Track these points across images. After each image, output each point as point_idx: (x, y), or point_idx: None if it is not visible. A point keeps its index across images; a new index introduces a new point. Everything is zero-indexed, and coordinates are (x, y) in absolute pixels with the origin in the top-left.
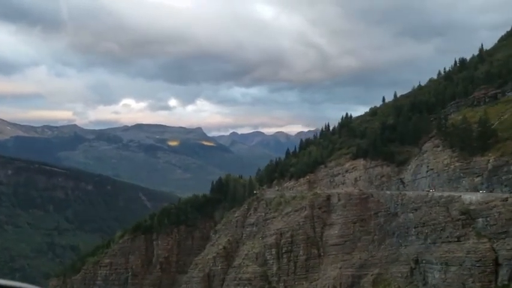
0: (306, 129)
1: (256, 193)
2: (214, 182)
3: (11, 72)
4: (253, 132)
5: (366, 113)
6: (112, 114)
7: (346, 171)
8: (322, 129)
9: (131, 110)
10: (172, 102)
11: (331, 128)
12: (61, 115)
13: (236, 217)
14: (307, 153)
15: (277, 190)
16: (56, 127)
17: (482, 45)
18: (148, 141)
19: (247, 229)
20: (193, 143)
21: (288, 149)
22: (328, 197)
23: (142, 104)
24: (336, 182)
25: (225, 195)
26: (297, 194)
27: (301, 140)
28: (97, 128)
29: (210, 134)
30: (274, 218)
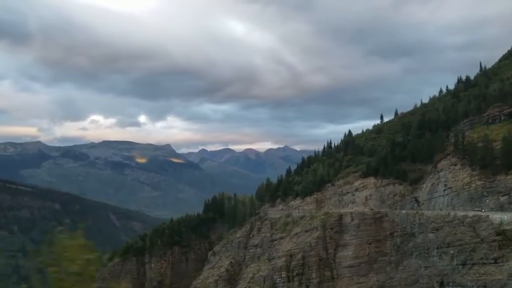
0: (275, 146)
1: (259, 213)
2: (208, 201)
3: None
4: (223, 149)
5: (368, 131)
6: (79, 131)
7: (356, 189)
8: (324, 146)
9: (99, 126)
10: (142, 118)
11: (332, 146)
12: (25, 131)
13: (238, 238)
14: (312, 172)
15: (282, 209)
16: (20, 144)
17: (480, 63)
18: (116, 158)
19: (251, 250)
20: (162, 160)
21: (289, 167)
22: (341, 217)
23: (111, 120)
24: (345, 201)
25: (221, 214)
26: (305, 213)
27: (303, 158)
28: (62, 144)
29: (179, 151)
30: (281, 238)
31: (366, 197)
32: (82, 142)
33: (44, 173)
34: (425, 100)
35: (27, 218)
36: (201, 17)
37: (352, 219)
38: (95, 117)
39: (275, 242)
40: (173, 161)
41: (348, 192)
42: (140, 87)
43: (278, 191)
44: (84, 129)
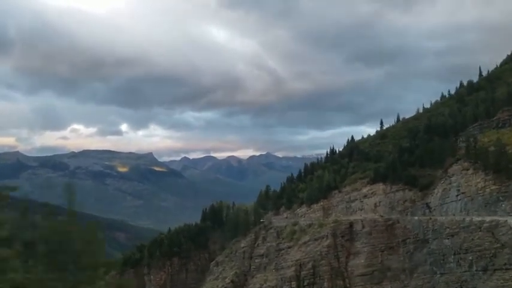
0: (257, 153)
1: (263, 221)
2: (207, 209)
3: None
4: (205, 156)
5: (372, 136)
6: (59, 140)
7: (365, 196)
8: (327, 152)
9: (80, 135)
10: (124, 127)
11: (335, 152)
12: (3, 141)
13: (242, 247)
14: (317, 178)
15: (287, 218)
16: None
17: (480, 68)
18: (97, 167)
19: (256, 260)
20: (143, 169)
21: (291, 174)
22: (351, 224)
23: (91, 129)
24: (354, 208)
25: (219, 223)
26: (312, 221)
27: (306, 165)
28: (42, 154)
29: (161, 159)
30: (289, 248)
31: (375, 204)
32: (62, 152)
33: (22, 183)
34: (427, 105)
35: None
36: (183, 24)
37: (363, 227)
38: (76, 126)
39: (282, 251)
40: (155, 170)
41: (356, 199)
42: (122, 95)
43: (282, 198)
44: (64, 138)
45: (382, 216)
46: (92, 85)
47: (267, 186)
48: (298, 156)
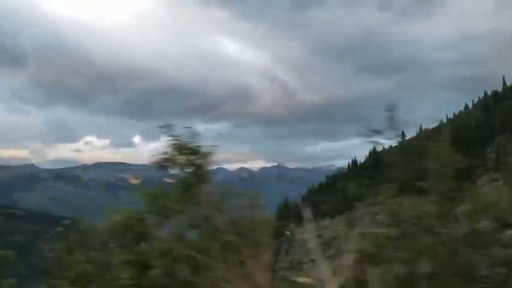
0: (268, 165)
1: (289, 233)
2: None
3: None
4: (216, 168)
5: (394, 147)
6: (72, 153)
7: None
8: (348, 163)
9: (93, 147)
10: (136, 139)
11: (357, 162)
12: (17, 154)
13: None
14: (340, 190)
15: (309, 230)
16: (11, 167)
17: (504, 77)
18: (110, 180)
19: (279, 274)
20: (156, 181)
21: (312, 186)
22: (377, 237)
23: (104, 142)
24: (379, 221)
25: (238, 235)
26: (337, 234)
27: (327, 176)
28: (55, 167)
29: (173, 171)
30: (312, 261)
31: None
32: (75, 164)
33: (36, 196)
34: (450, 115)
35: (22, 242)
36: (194, 36)
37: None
38: (89, 138)
39: (306, 264)
40: (167, 182)
41: (380, 212)
42: (134, 107)
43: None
44: (77, 150)
45: None
46: (105, 98)
47: (287, 198)
48: (309, 167)
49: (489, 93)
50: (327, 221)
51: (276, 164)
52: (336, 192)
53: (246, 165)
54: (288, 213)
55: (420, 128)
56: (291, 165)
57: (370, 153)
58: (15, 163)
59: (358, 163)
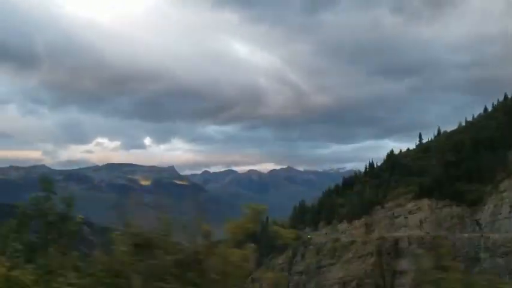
0: (278, 167)
1: (310, 237)
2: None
3: None
4: (226, 170)
5: (412, 150)
6: (83, 154)
7: (409, 212)
8: (366, 166)
9: (104, 149)
10: (147, 140)
11: (374, 165)
12: (29, 155)
13: (280, 264)
14: (358, 193)
15: (326, 234)
16: (23, 168)
17: None
18: (120, 181)
19: (295, 278)
20: (166, 182)
21: (329, 189)
22: (397, 242)
23: (115, 143)
24: (397, 225)
25: (254, 238)
26: (355, 238)
27: (343, 179)
28: (67, 168)
29: (183, 173)
30: (331, 265)
31: (420, 220)
32: (86, 165)
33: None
34: (469, 118)
35: (34, 242)
36: (206, 39)
37: (410, 244)
38: (100, 140)
39: (323, 268)
40: (177, 183)
41: (400, 215)
42: (145, 109)
43: (320, 213)
44: (89, 152)
45: (428, 233)
46: (116, 99)
47: (302, 201)
48: (320, 170)
49: (509, 96)
50: (344, 225)
51: (285, 166)
52: (353, 196)
53: (256, 168)
54: (304, 217)
55: (439, 131)
56: (301, 167)
57: (387, 155)
58: (27, 164)
59: (375, 166)
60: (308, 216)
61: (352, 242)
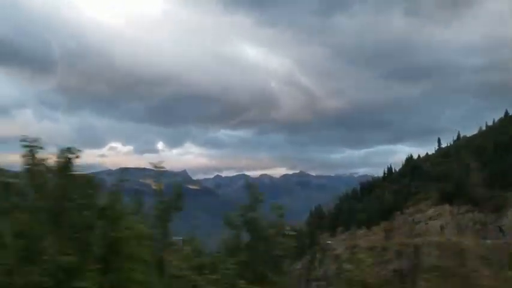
0: (290, 172)
1: (329, 242)
2: None
3: None
4: (238, 174)
5: (432, 154)
6: (97, 158)
7: (430, 218)
8: (384, 171)
9: (117, 153)
10: (160, 145)
11: (393, 170)
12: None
13: (298, 270)
14: (376, 198)
15: (344, 240)
16: None
17: None
18: (133, 185)
19: (314, 283)
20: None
21: (346, 194)
22: (417, 248)
23: (129, 148)
24: (418, 231)
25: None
26: (374, 244)
27: (363, 184)
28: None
29: (195, 177)
30: (350, 271)
31: (442, 226)
32: (100, 169)
33: None
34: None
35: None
36: (218, 43)
37: (431, 250)
38: (114, 144)
39: (343, 275)
40: (189, 187)
41: (421, 221)
42: (157, 113)
43: (338, 219)
44: (102, 156)
45: (450, 239)
46: (129, 104)
47: (319, 205)
48: (332, 174)
49: None
50: (363, 231)
51: (298, 171)
52: (371, 201)
53: (268, 172)
54: (321, 222)
55: (458, 135)
56: (313, 172)
57: (406, 160)
58: None
59: (394, 171)
60: (325, 221)
61: (372, 248)
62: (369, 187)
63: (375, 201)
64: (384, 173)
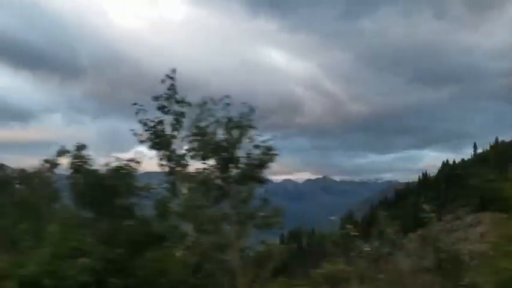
0: (313, 177)
1: (369, 249)
2: (286, 234)
3: (27, 120)
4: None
5: (467, 160)
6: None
7: (469, 225)
8: (419, 177)
9: (143, 157)
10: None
11: (428, 177)
12: None
13: None
14: (412, 205)
15: (379, 247)
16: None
17: None
18: (157, 189)
19: None
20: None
21: (381, 200)
22: (457, 256)
23: (153, 151)
24: (456, 239)
25: (300, 249)
26: (411, 252)
27: (397, 190)
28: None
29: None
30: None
31: (481, 234)
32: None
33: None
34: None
35: None
36: (242, 48)
37: (471, 258)
38: (140, 148)
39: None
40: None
41: (459, 229)
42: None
43: (371, 225)
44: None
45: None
46: (154, 109)
47: (350, 211)
48: (356, 180)
49: None
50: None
51: (321, 176)
52: (407, 207)
53: (291, 177)
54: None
55: (496, 141)
56: (337, 177)
57: (442, 166)
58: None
59: (429, 177)
60: (358, 228)
61: (409, 256)
62: (403, 194)
63: (410, 208)
64: (419, 179)
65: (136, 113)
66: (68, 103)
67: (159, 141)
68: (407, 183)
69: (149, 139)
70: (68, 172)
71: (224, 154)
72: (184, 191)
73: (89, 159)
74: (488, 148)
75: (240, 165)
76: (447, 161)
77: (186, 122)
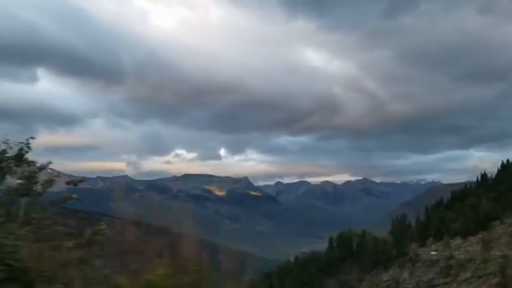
0: (353, 178)
1: (409, 253)
2: (334, 237)
3: (71, 125)
4: (299, 181)
5: None
6: (163, 165)
7: None
8: (477, 178)
9: (182, 160)
10: (222, 151)
11: (487, 177)
12: (115, 166)
13: (386, 281)
14: (472, 207)
15: (436, 250)
16: (109, 178)
17: None
18: (196, 191)
19: None
20: (240, 193)
21: (437, 202)
22: None
23: (192, 154)
24: None
25: (349, 252)
26: (472, 256)
27: (453, 192)
28: (148, 178)
29: (256, 184)
30: (446, 284)
31: None
32: (166, 175)
33: (130, 205)
34: None
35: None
36: (280, 49)
37: None
38: (179, 151)
39: (437, 287)
40: (251, 194)
41: None
42: (220, 121)
43: (428, 229)
44: (168, 163)
45: None
46: (194, 112)
47: (404, 215)
48: (397, 181)
49: None
50: (458, 241)
51: (361, 177)
52: (466, 210)
53: (330, 179)
54: (406, 232)
55: None
56: (378, 179)
57: (501, 166)
58: (112, 175)
59: (489, 177)
60: (412, 231)
61: (470, 260)
62: (461, 195)
63: (469, 210)
64: (478, 180)
65: None
66: (110, 107)
67: None
68: (465, 185)
69: None
70: None
71: None
72: None
73: None
74: None
75: None
76: (508, 160)
77: None
